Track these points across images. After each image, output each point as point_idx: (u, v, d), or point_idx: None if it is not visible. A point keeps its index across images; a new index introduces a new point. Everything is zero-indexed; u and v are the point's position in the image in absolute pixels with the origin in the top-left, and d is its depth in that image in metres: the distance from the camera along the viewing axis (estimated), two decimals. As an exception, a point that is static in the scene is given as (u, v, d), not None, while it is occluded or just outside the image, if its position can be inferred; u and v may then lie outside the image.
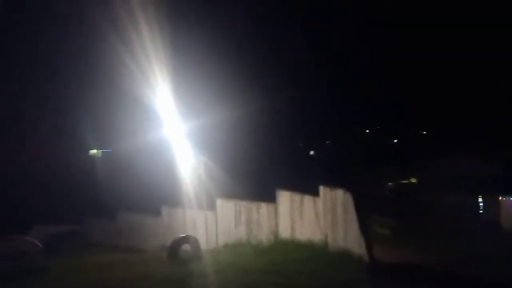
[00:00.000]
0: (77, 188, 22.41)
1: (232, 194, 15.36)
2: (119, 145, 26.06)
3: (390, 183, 19.03)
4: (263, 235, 14.19)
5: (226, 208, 15.20)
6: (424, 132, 34.17)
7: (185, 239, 13.52)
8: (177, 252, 13.13)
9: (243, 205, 14.80)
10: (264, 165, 17.69)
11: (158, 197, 17.48)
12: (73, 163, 27.51)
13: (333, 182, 12.70)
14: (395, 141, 31.38)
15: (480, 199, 19.43)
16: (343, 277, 9.45)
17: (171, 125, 16.08)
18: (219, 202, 15.35)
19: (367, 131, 31.06)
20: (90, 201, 20.89)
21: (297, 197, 13.47)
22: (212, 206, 15.60)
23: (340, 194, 12.02)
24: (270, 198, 14.25)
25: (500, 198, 18.85)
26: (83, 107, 25.58)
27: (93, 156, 33.41)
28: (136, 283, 9.40)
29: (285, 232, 13.69)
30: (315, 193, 12.97)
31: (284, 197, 13.77)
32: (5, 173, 26.92)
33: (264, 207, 14.32)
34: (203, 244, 14.30)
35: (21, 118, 28.62)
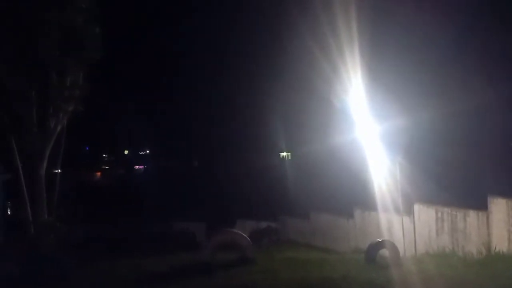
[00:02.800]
0: (271, 187, 24.26)
1: (432, 199, 14.19)
2: (308, 147, 27.13)
3: None
4: (472, 247, 12.65)
5: (426, 214, 14.10)
6: None
7: (382, 244, 13.03)
8: (374, 256, 12.75)
9: (446, 211, 13.48)
10: (470, 167, 15.82)
11: (350, 199, 17.42)
12: (267, 165, 30.00)
13: None
14: None
15: None
16: None
17: (363, 125, 15.78)
18: (417, 207, 14.35)
19: None
20: (284, 200, 22.28)
21: (516, 205, 11.57)
22: (409, 211, 14.72)
23: None
24: (479, 204, 12.63)
25: None
26: (275, 110, 27.54)
27: (283, 158, 35.81)
28: (340, 284, 9.47)
29: (500, 245, 11.89)
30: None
31: (499, 205, 11.97)
32: (212, 173, 31.10)
33: (472, 215, 12.75)
34: (400, 251, 13.58)
35: (220, 124, 32.72)
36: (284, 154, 34.94)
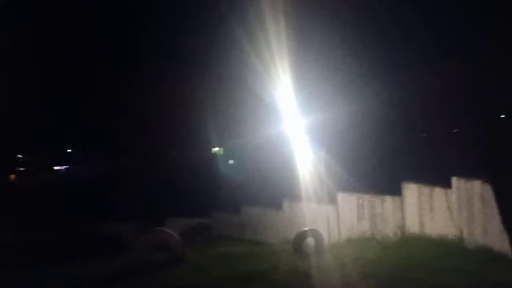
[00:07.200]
0: (203, 183, 24.11)
1: (353, 188, 15.04)
2: (238, 142, 27.33)
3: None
4: (389, 230, 13.63)
5: (348, 202, 14.93)
6: None
7: (308, 233, 13.65)
8: (301, 245, 13.32)
9: (366, 198, 14.38)
10: (387, 157, 16.97)
11: (279, 191, 17.85)
12: (198, 161, 29.77)
13: (469, 173, 11.63)
14: None
15: None
16: (488, 276, 8.63)
17: (291, 120, 16.30)
18: (340, 196, 15.13)
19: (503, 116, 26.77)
20: (216, 196, 22.22)
21: (425, 189, 12.63)
22: (333, 200, 15.47)
23: (477, 186, 10.99)
24: (395, 191, 13.64)
25: None
26: (206, 105, 27.29)
27: (215, 153, 35.73)
28: (268, 275, 9.77)
29: (413, 227, 12.97)
30: (446, 184, 12.07)
31: (411, 190, 13.04)
32: (141, 170, 30.24)
33: (388, 201, 13.74)
34: (325, 238, 14.28)
35: (152, 119, 31.80)
36: (216, 149, 34.92)
